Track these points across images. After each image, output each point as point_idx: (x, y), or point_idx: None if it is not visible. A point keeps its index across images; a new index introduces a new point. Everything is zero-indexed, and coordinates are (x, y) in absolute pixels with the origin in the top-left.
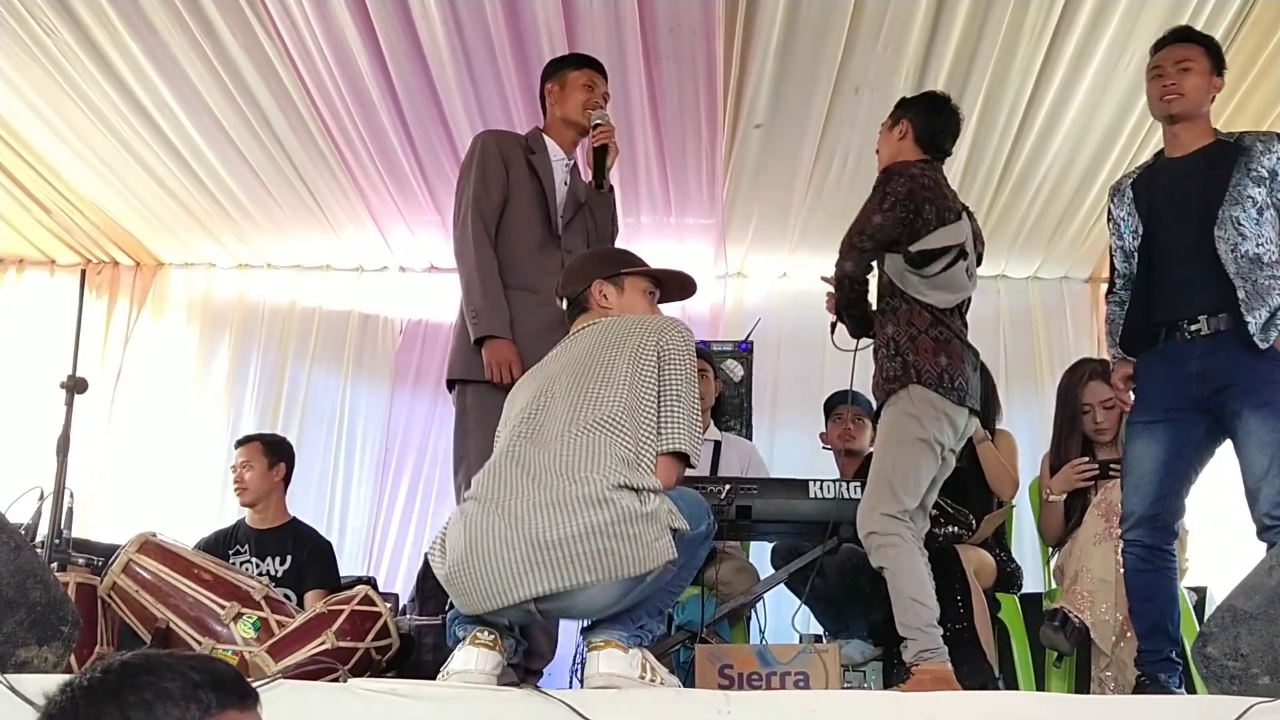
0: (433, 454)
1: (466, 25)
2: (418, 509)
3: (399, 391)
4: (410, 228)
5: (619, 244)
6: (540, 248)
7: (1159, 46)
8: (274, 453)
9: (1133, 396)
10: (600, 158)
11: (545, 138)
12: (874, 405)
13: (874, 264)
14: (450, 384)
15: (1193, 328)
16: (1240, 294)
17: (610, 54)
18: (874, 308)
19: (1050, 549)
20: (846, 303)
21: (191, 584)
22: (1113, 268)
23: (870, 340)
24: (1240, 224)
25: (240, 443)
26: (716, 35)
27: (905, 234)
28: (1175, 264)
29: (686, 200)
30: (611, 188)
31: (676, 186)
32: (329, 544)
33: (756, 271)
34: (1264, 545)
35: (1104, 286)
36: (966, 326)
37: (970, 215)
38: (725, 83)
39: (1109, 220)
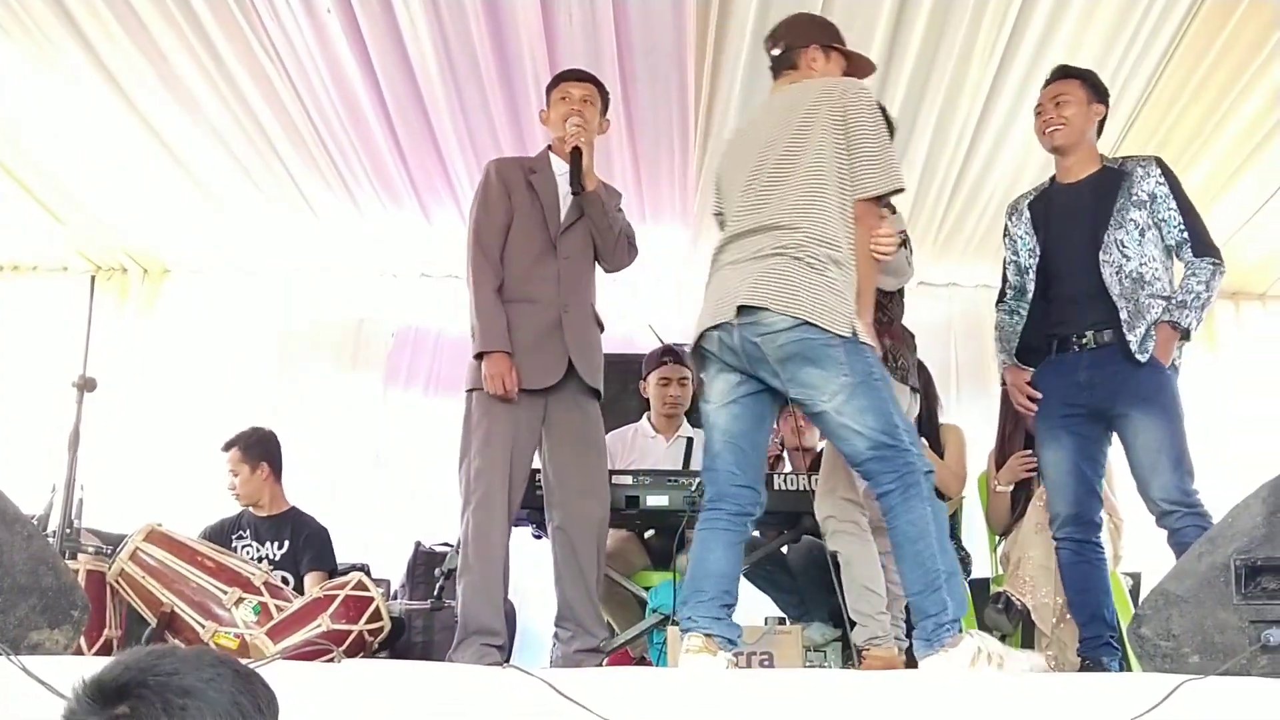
0: (422, 451)
1: (454, 47)
2: (408, 501)
3: (391, 392)
4: (402, 237)
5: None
6: (537, 259)
7: (1045, 86)
8: (253, 454)
9: (1037, 396)
10: (575, 160)
11: (551, 155)
12: None
13: None
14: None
15: (1081, 341)
16: (1123, 314)
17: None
18: None
19: (997, 537)
20: None
21: (195, 570)
22: (1005, 279)
23: None
24: (1124, 246)
25: (224, 448)
26: (688, 58)
27: None
28: (1067, 284)
29: (660, 210)
30: (599, 183)
31: (650, 197)
32: (326, 530)
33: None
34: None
35: None
36: (903, 311)
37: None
38: (696, 101)
39: (1005, 236)
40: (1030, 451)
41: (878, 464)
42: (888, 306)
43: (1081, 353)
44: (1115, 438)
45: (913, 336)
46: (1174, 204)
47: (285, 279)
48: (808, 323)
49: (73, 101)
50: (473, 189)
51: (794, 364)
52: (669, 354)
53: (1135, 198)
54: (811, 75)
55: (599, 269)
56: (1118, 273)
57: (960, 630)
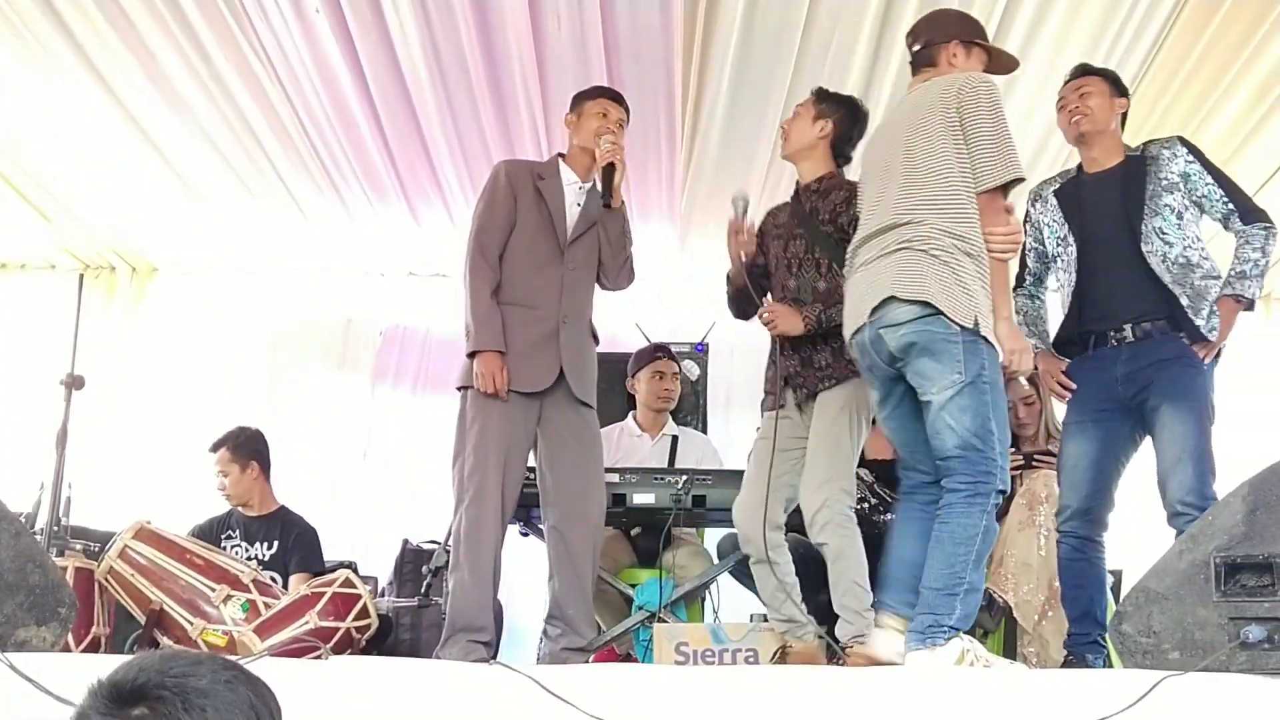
0: (410, 450)
1: (443, 51)
2: (396, 499)
3: (379, 391)
4: (391, 237)
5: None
6: (542, 267)
7: (1064, 85)
8: (242, 454)
9: (1072, 387)
10: (608, 175)
11: (561, 164)
12: (817, 388)
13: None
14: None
15: (1120, 335)
16: (1184, 300)
17: (577, 78)
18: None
19: None
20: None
21: (184, 568)
22: (1024, 264)
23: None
24: (1164, 233)
25: (212, 449)
26: (675, 63)
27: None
28: (1106, 277)
29: (648, 213)
30: (623, 203)
31: (639, 199)
32: (314, 530)
33: (711, 277)
34: (1174, 532)
35: None
36: None
37: None
38: (683, 104)
39: (1026, 221)
40: (1013, 449)
41: (960, 463)
42: None
43: (1120, 347)
44: (1142, 441)
45: None
46: (1209, 178)
47: (273, 278)
48: (931, 312)
49: (60, 99)
50: (461, 190)
51: (913, 352)
52: (661, 349)
53: (1166, 181)
54: (952, 71)
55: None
56: (1163, 260)
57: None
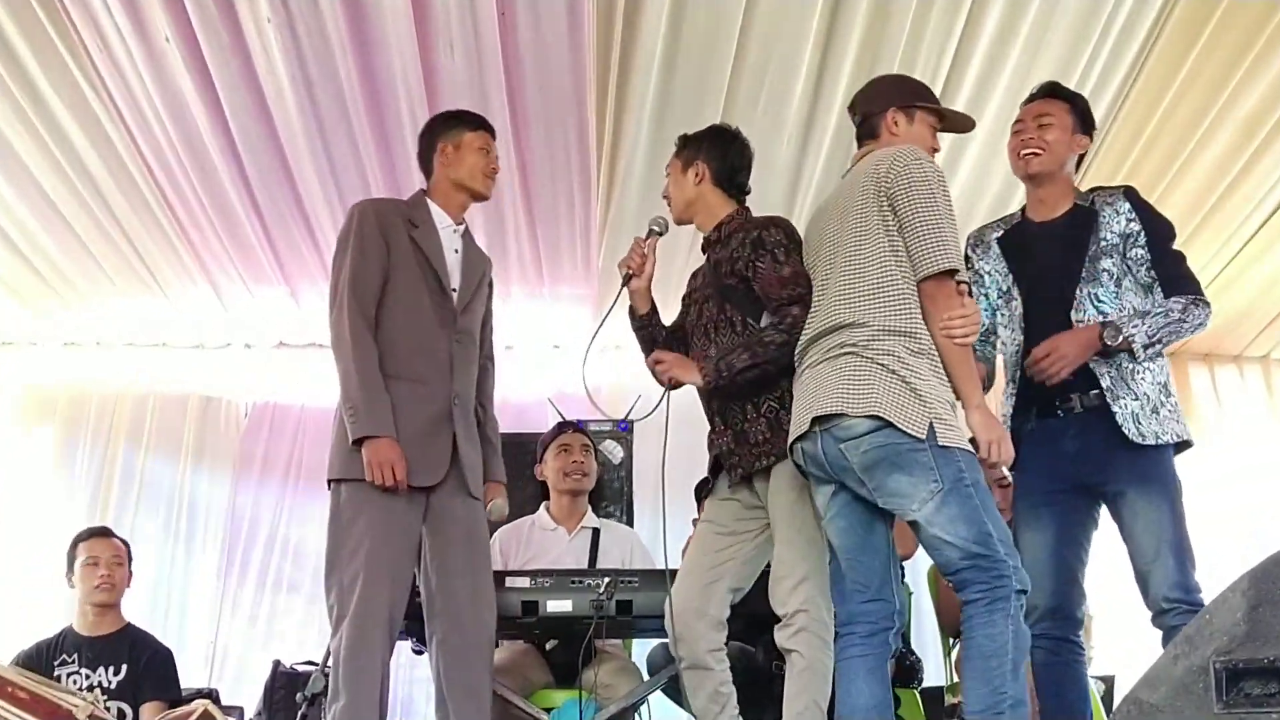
0: (281, 549)
1: (316, 82)
2: (264, 609)
3: (244, 480)
4: (256, 301)
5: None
6: (429, 333)
7: (1027, 103)
8: (128, 550)
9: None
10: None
11: (430, 203)
12: (753, 466)
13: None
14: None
15: (1066, 405)
16: (1104, 382)
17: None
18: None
19: (951, 639)
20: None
21: (5, 704)
22: None
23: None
24: (1099, 300)
25: (99, 533)
26: (588, 97)
27: None
28: (1038, 337)
29: (559, 267)
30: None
31: (548, 252)
32: (168, 651)
33: (636, 344)
34: (1160, 632)
35: None
36: None
37: None
38: (599, 144)
39: (968, 267)
40: None
41: (972, 573)
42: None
43: (1067, 418)
44: (1101, 516)
45: None
46: (1143, 239)
47: (113, 351)
48: (889, 425)
49: None
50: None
51: (880, 471)
52: (567, 425)
53: (1105, 242)
54: (894, 142)
55: None
56: None
57: None
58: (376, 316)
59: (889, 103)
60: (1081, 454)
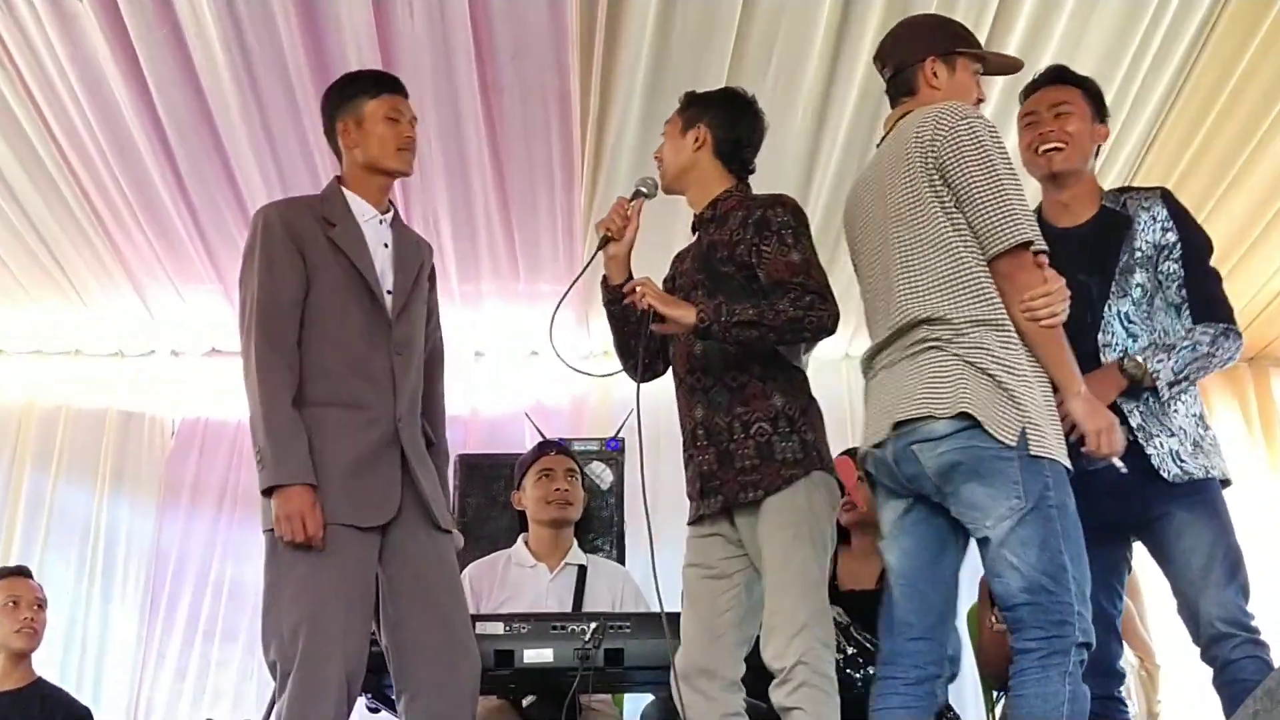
0: (215, 589)
1: (254, 48)
2: (195, 661)
3: (170, 509)
4: (186, 303)
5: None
6: (364, 349)
7: (1029, 91)
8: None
9: None
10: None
11: (346, 194)
12: (737, 498)
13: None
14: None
15: None
16: (1133, 420)
17: (438, 84)
18: (742, 373)
19: (994, 692)
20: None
21: None
22: None
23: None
24: (1129, 321)
25: (18, 572)
26: (571, 62)
27: None
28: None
29: (538, 263)
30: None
31: (525, 246)
32: (86, 710)
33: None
34: (1209, 670)
35: None
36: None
37: None
38: (583, 119)
39: None
40: None
41: (1029, 612)
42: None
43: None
44: (1135, 556)
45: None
46: (1179, 253)
47: (26, 360)
48: (975, 426)
49: None
50: None
51: (958, 476)
52: (549, 445)
53: (1140, 253)
54: (934, 97)
55: None
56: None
57: None
58: (300, 339)
59: (926, 50)
60: (1115, 489)
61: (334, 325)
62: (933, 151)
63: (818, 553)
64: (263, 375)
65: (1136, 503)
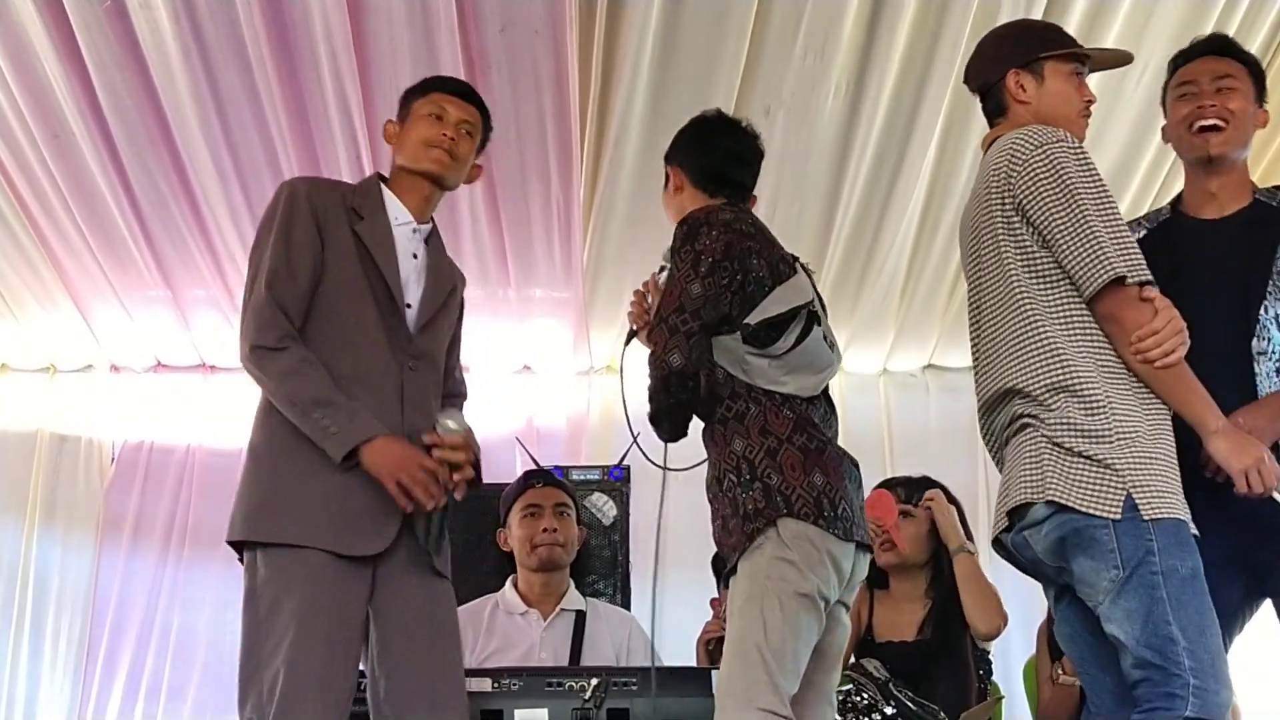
0: (160, 640)
1: (204, 18)
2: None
3: (110, 547)
4: (127, 311)
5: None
6: (373, 354)
7: (1184, 59)
8: None
9: None
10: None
11: (384, 190)
12: (729, 565)
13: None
14: (234, 545)
15: None
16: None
17: (416, 59)
18: (709, 417)
19: None
20: (671, 406)
21: None
22: None
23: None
24: None
25: None
26: (568, 37)
27: (736, 303)
28: (1204, 368)
29: (531, 267)
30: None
31: (516, 247)
32: None
33: (632, 366)
34: None
35: None
36: (837, 419)
37: (805, 267)
38: (583, 102)
39: None
40: None
41: (1145, 689)
42: (813, 423)
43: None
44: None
45: (855, 465)
46: None
47: None
48: (1065, 507)
49: None
50: (238, 235)
51: (1065, 552)
52: (536, 476)
53: None
54: (1025, 113)
55: None
56: (1273, 367)
57: None
58: (302, 329)
59: (1005, 64)
60: (1252, 516)
61: (342, 324)
62: (1009, 190)
63: (780, 608)
64: (270, 355)
65: (1260, 532)
